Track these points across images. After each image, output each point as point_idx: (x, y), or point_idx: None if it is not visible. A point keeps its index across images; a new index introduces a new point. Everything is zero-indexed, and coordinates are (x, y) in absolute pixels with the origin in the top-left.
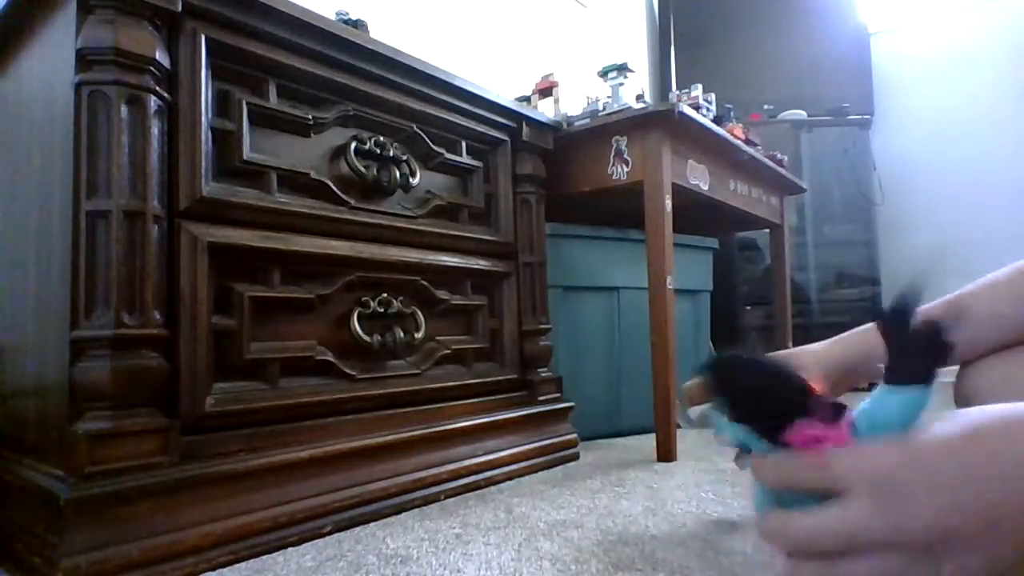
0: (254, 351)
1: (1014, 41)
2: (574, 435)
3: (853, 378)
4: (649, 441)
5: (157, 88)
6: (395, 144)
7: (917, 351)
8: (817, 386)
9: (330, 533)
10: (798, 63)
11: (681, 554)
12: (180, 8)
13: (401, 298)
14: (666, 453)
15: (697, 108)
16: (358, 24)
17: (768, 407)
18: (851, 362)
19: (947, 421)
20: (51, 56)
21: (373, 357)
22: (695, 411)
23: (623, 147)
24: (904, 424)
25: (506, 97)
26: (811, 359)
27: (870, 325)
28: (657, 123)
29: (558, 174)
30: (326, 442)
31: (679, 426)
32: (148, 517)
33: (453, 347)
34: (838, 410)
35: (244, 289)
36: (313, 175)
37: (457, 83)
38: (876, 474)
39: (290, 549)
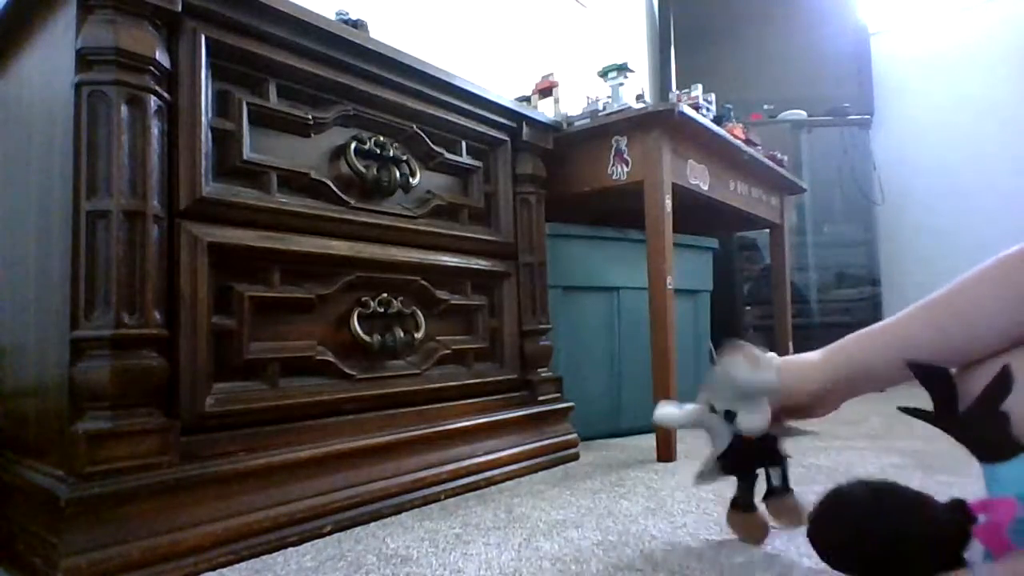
0: (254, 351)
1: (1014, 41)
2: (574, 435)
3: (854, 389)
4: (649, 441)
5: (157, 88)
6: (395, 144)
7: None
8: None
9: (330, 533)
10: (798, 63)
11: (681, 554)
12: (180, 8)
13: (401, 298)
14: (666, 453)
15: (697, 108)
16: (358, 24)
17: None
18: (852, 374)
19: None
20: (51, 56)
21: (373, 357)
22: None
23: (623, 147)
24: None
25: (506, 97)
26: (811, 370)
27: (865, 331)
28: (657, 123)
29: (558, 174)
30: (326, 442)
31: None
32: (148, 517)
33: (453, 347)
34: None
35: (244, 289)
36: (313, 175)
37: (457, 83)
38: None
39: (290, 549)
